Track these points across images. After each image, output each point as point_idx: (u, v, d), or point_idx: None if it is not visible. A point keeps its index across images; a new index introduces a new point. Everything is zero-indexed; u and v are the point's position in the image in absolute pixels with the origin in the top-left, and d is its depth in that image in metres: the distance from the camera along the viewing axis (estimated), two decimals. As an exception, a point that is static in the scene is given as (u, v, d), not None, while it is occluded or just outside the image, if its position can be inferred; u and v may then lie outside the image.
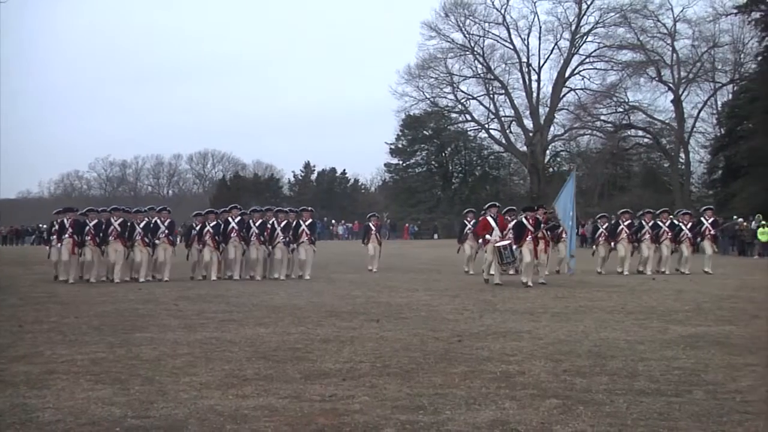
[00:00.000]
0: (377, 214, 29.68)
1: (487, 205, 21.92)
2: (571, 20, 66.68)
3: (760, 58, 50.37)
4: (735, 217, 39.94)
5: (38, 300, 16.59)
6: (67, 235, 20.99)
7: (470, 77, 71.34)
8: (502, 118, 71.49)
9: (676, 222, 24.47)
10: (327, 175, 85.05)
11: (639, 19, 62.57)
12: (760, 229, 36.70)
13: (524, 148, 70.88)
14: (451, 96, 72.62)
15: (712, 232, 24.46)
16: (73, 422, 6.43)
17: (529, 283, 18.45)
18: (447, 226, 70.51)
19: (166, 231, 21.82)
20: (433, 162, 76.78)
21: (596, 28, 66.09)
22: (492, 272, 19.99)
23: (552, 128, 69.71)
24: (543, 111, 69.34)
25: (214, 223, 22.14)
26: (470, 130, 74.78)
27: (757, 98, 47.92)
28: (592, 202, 58.88)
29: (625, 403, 6.98)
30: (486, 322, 12.54)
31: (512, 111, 70.61)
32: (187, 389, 7.65)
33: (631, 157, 66.67)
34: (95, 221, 21.36)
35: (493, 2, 68.31)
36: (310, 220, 23.07)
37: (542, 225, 19.48)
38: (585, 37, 66.88)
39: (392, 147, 77.23)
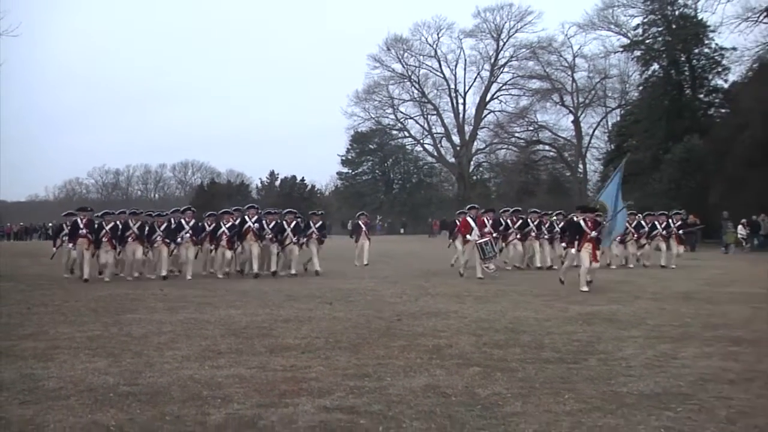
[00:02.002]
0: (366, 213, 26.60)
1: (467, 207, 20.20)
2: (490, 54, 67.24)
3: (641, 88, 51.19)
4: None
5: (43, 286, 16.26)
6: (82, 232, 17.77)
7: (408, 100, 71.53)
8: (434, 135, 71.84)
9: (642, 223, 22.64)
10: (288, 182, 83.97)
11: (545, 55, 63.27)
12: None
13: (453, 160, 71.31)
14: (392, 116, 72.62)
15: (679, 233, 22.71)
16: (73, 389, 6.36)
17: (585, 288, 14.76)
18: (390, 225, 70.52)
19: (190, 231, 18.60)
20: (377, 171, 76.81)
21: (511, 61, 66.72)
22: (469, 267, 18.33)
23: (475, 143, 70.17)
24: (468, 129, 69.79)
25: (230, 224, 18.93)
26: (408, 145, 75.03)
27: (639, 120, 48.71)
28: (509, 204, 59.19)
29: (533, 369, 7.06)
30: (421, 304, 12.57)
31: (443, 129, 71.03)
32: (170, 361, 7.60)
33: (539, 168, 67.20)
34: (112, 224, 18.02)
35: (426, 39, 68.75)
36: (320, 222, 20.63)
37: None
38: (502, 68, 67.44)
39: (343, 158, 77.17)
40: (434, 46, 69.01)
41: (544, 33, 63.61)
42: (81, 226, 17.86)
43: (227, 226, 18.88)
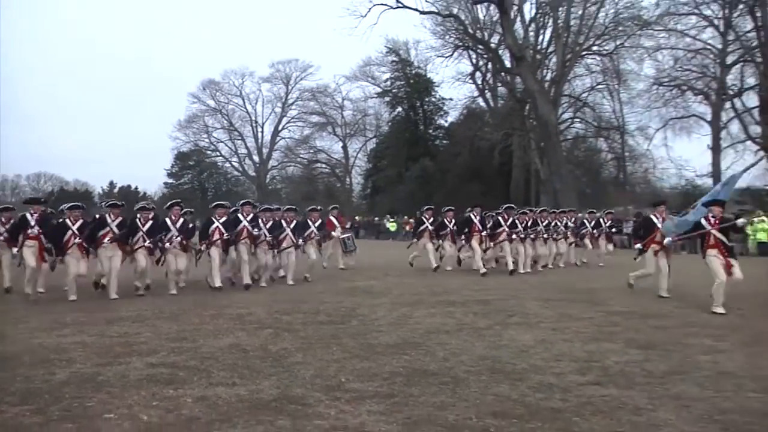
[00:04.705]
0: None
1: (330, 207, 16.92)
2: (282, 96, 67.34)
3: (389, 124, 54.10)
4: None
5: None
6: (33, 231, 10.67)
7: (219, 128, 70.15)
8: (239, 155, 71.26)
9: (558, 222, 15.92)
10: (125, 190, 77.87)
11: (322, 97, 64.19)
12: (391, 222, 39.12)
13: (253, 174, 71.14)
14: (207, 140, 70.92)
15: (613, 231, 18.14)
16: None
17: (720, 309, 8.33)
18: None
19: (179, 235, 11.08)
20: (195, 182, 73.51)
21: (297, 101, 67.26)
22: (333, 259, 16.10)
23: (270, 162, 70.38)
24: (265, 151, 69.87)
25: (224, 219, 11.64)
26: (219, 162, 73.05)
27: (388, 147, 51.48)
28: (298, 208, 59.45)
29: (312, 330, 7.21)
30: (226, 284, 12.36)
31: (246, 150, 70.62)
32: (23, 332, 7.03)
33: (318, 180, 67.75)
34: (80, 221, 10.25)
35: (233, 82, 67.70)
36: (320, 221, 14.00)
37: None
38: (290, 106, 67.66)
39: (169, 172, 73.09)
40: (239, 87, 68.30)
41: (321, 81, 64.51)
42: (32, 223, 10.76)
43: (221, 221, 11.61)
